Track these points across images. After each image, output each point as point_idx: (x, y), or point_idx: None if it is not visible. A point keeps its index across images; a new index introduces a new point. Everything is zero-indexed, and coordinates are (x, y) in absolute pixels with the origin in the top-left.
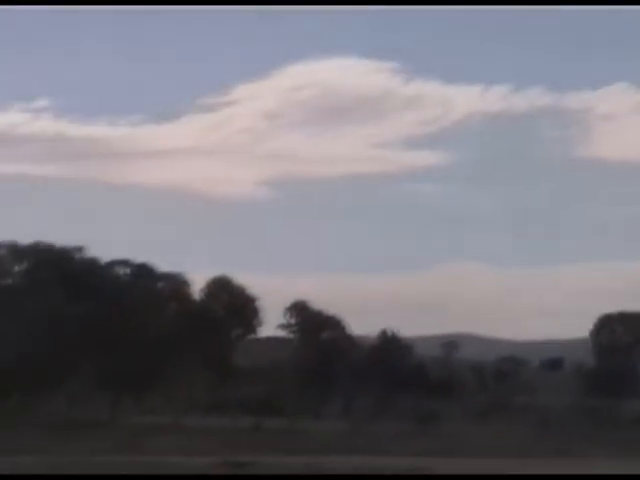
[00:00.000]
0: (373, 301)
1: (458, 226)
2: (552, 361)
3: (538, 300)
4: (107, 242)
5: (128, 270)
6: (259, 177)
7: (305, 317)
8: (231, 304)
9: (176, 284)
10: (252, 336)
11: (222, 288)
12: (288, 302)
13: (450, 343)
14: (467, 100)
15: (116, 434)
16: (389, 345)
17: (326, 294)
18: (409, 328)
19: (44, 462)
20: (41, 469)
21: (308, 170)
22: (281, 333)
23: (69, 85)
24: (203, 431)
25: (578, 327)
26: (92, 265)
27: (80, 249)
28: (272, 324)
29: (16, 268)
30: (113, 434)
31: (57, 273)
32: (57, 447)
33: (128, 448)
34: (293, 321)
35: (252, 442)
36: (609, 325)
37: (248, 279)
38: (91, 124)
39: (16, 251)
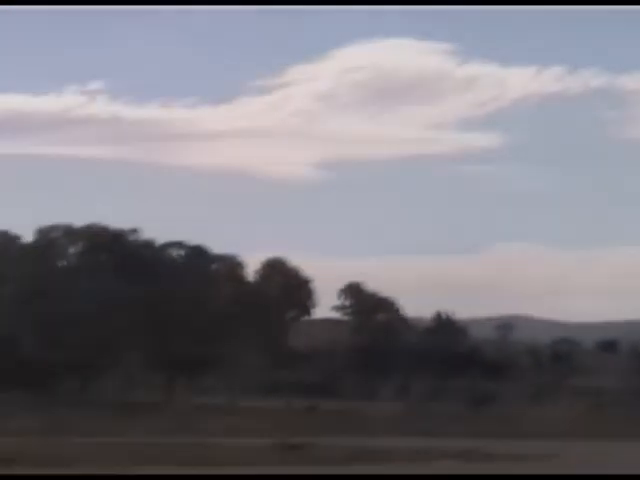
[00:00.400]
0: (427, 283)
1: (513, 208)
2: (607, 343)
3: (593, 281)
4: (161, 224)
5: (182, 252)
6: (314, 159)
7: (359, 299)
8: (285, 286)
9: (230, 266)
10: (306, 318)
11: (276, 270)
12: (342, 284)
13: (505, 325)
14: (522, 81)
15: (171, 416)
16: (444, 327)
17: (380, 276)
18: (464, 310)
19: (99, 444)
20: (94, 451)
21: (363, 152)
22: (335, 315)
23: (124, 67)
24: (258, 413)
25: (633, 309)
26: (146, 247)
27: (134, 231)
28: (326, 306)
29: (71, 250)
30: (168, 416)
31: (111, 255)
32: (111, 429)
33: (182, 430)
34: (347, 303)
35: (307, 424)
36: None
37: (302, 261)
38: (146, 106)
39: (71, 233)
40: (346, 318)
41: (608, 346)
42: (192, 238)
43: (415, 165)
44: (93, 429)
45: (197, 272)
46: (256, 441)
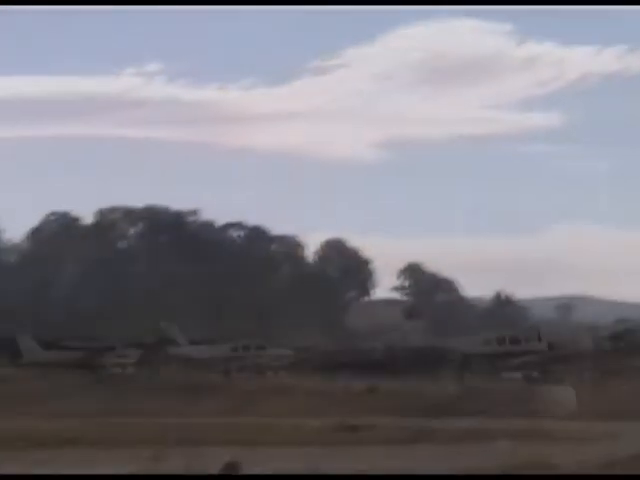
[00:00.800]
0: (487, 263)
1: (573, 188)
2: None
3: None
4: (221, 205)
5: (242, 233)
6: (371, 139)
7: (419, 279)
8: (345, 266)
9: (290, 246)
10: (366, 298)
11: (336, 250)
12: (402, 264)
13: (565, 305)
14: (582, 61)
15: (230, 396)
16: (503, 307)
17: (440, 256)
18: (524, 290)
19: (158, 425)
20: (155, 432)
21: (420, 132)
22: (395, 295)
23: (181, 49)
24: (317, 393)
25: None
26: (206, 228)
27: (194, 212)
28: (386, 286)
29: (131, 232)
30: (227, 396)
31: (171, 236)
32: (171, 409)
33: (242, 410)
34: (407, 283)
35: (367, 404)
36: None
37: (362, 241)
38: (203, 88)
39: (130, 215)
40: (406, 299)
41: None
42: (251, 219)
43: (474, 145)
44: (153, 410)
45: (257, 253)
46: (315, 422)
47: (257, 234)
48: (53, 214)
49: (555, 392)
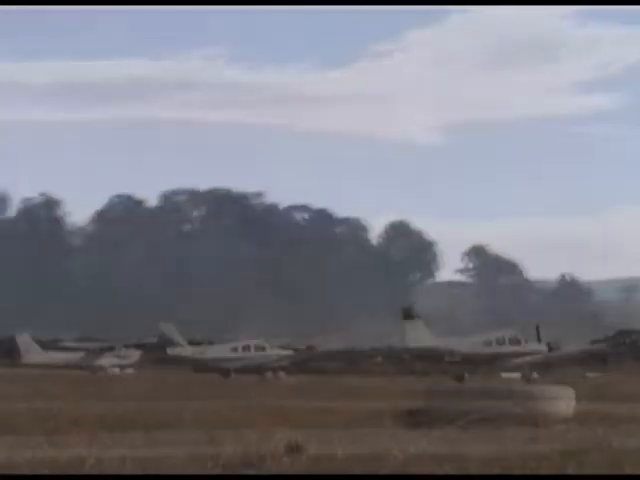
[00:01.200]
0: (552, 245)
1: (635, 169)
2: None
3: None
4: (285, 188)
5: (307, 215)
6: (433, 122)
7: (483, 261)
8: (409, 249)
9: (354, 229)
10: (430, 280)
11: (400, 233)
12: (466, 246)
13: (629, 287)
14: None
15: (297, 377)
16: (568, 289)
17: (504, 238)
18: (588, 273)
19: (205, 408)
20: (205, 413)
21: (482, 114)
22: (459, 277)
23: (241, 32)
24: (380, 376)
25: None
26: (271, 210)
27: (259, 194)
28: (450, 268)
29: (195, 214)
30: (294, 377)
31: (236, 218)
32: (225, 391)
33: (306, 392)
34: (471, 265)
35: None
36: None
37: (426, 224)
38: (263, 71)
39: (195, 197)
40: (470, 281)
41: None
42: (316, 202)
43: (534, 127)
44: (207, 392)
45: (321, 235)
46: (378, 404)
47: (321, 216)
48: (117, 197)
49: (554, 392)
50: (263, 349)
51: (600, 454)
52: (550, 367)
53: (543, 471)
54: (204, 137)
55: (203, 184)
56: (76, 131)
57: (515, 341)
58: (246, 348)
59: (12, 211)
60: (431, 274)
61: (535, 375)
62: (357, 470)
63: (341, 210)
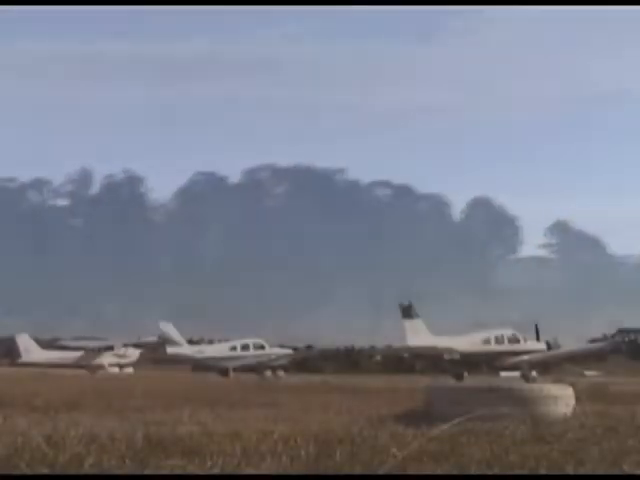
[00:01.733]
0: (635, 220)
1: None
2: None
3: None
4: (367, 164)
5: (388, 191)
6: (524, 99)
7: (566, 237)
8: (491, 224)
9: (436, 205)
10: (512, 256)
11: (482, 208)
12: (549, 222)
13: None
14: None
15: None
16: None
17: (587, 214)
18: None
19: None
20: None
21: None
22: (542, 253)
23: (320, 9)
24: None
25: None
26: (353, 187)
27: (341, 171)
28: (532, 244)
29: (277, 190)
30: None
31: (317, 195)
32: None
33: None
34: (554, 241)
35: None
36: None
37: (508, 199)
38: (343, 47)
39: (277, 173)
40: (552, 256)
41: None
42: (397, 178)
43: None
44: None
45: (403, 211)
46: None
47: (403, 192)
48: (200, 174)
49: (554, 391)
50: (262, 348)
51: (600, 454)
52: (549, 366)
53: (543, 471)
54: (286, 114)
55: (286, 160)
56: (159, 108)
57: (514, 340)
58: (245, 347)
59: (96, 188)
60: (513, 250)
61: (534, 374)
62: (356, 470)
63: (422, 186)
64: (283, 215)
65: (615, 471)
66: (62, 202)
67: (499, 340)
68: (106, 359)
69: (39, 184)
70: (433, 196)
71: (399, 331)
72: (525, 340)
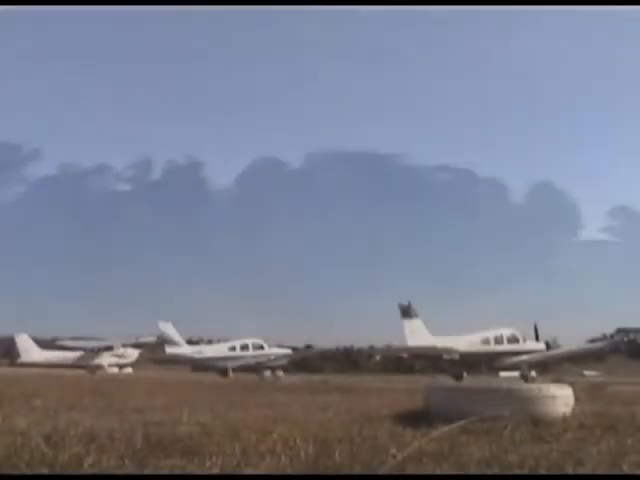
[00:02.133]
0: None
1: None
2: None
3: None
4: (425, 148)
5: (448, 175)
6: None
7: (628, 220)
8: (552, 208)
9: (495, 189)
10: (573, 240)
11: (543, 193)
12: (611, 206)
13: None
14: None
15: None
16: None
17: None
18: None
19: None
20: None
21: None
22: (603, 237)
23: None
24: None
25: None
26: (413, 171)
27: (401, 155)
28: (594, 228)
29: (337, 176)
30: None
31: (376, 179)
32: None
33: None
34: (616, 225)
35: None
36: None
37: (570, 183)
38: (405, 29)
39: (337, 159)
40: (614, 239)
41: None
42: (458, 162)
43: None
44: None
45: (463, 196)
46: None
47: (463, 177)
48: (262, 159)
49: (553, 391)
50: (261, 348)
51: (599, 454)
52: (548, 366)
53: (542, 471)
54: (344, 96)
55: (345, 146)
56: (219, 93)
57: (513, 339)
58: (244, 347)
59: (157, 173)
60: (574, 233)
61: (533, 374)
62: (356, 470)
63: (482, 170)
64: (339, 200)
65: (614, 471)
66: (124, 187)
67: (498, 340)
68: (105, 359)
69: (101, 170)
70: (494, 180)
71: (398, 331)
72: (524, 340)
